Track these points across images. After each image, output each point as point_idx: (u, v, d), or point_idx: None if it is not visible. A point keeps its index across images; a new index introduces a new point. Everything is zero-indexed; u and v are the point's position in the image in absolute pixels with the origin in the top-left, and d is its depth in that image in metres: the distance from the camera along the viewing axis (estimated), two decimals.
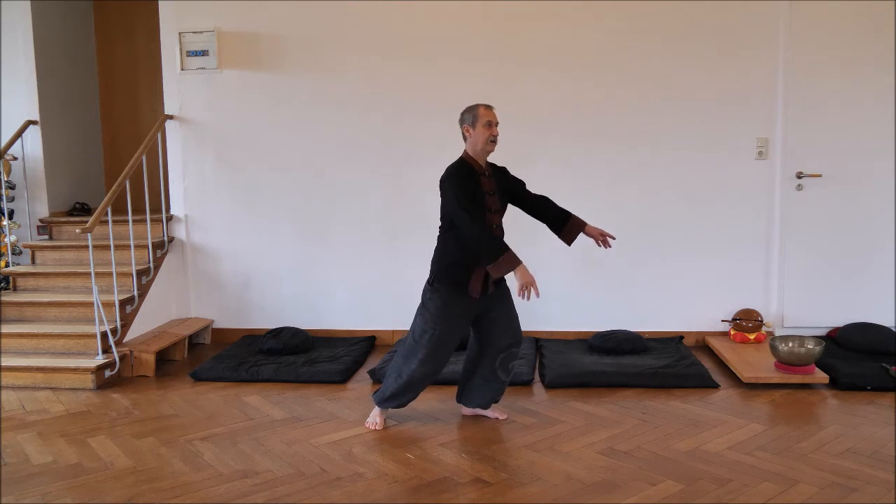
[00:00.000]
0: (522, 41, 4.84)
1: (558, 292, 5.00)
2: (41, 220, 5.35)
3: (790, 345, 4.04)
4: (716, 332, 4.92)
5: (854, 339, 4.51)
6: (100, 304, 4.32)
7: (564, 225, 3.42)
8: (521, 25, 4.83)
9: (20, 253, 5.19)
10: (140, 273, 4.79)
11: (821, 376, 3.98)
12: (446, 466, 3.04)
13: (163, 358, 4.71)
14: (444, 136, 4.59)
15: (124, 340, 4.59)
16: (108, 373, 4.27)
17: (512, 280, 3.53)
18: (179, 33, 5.05)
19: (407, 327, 3.66)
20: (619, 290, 4.98)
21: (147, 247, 4.94)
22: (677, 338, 4.88)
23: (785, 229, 4.80)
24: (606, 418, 3.57)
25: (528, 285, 3.09)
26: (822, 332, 4.81)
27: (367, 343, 4.94)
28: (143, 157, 4.85)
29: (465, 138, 3.30)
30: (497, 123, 3.28)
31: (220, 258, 5.25)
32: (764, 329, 4.77)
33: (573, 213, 3.48)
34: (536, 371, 4.32)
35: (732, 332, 4.74)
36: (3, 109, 5.35)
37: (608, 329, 4.88)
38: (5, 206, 5.19)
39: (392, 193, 5.06)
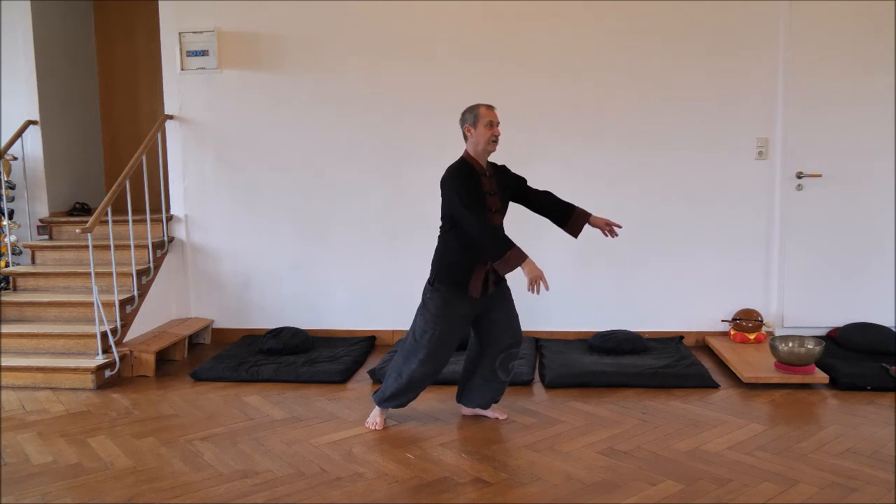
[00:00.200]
0: (522, 41, 4.84)
1: (558, 292, 4.98)
2: (41, 220, 5.35)
3: (790, 345, 4.05)
4: (716, 332, 4.92)
5: (854, 339, 4.51)
6: (100, 304, 4.32)
7: (569, 217, 3.41)
8: (521, 25, 4.83)
9: (20, 253, 5.19)
10: (140, 273, 4.79)
11: (821, 376, 3.98)
12: (446, 466, 3.04)
13: (163, 358, 4.71)
14: (444, 136, 4.59)
15: (124, 340, 4.59)
16: (108, 373, 4.27)
17: (514, 278, 3.54)
18: (179, 33, 5.05)
19: (407, 327, 3.66)
20: (619, 290, 4.98)
21: (147, 247, 4.94)
22: (677, 338, 4.88)
23: (785, 229, 4.80)
24: (606, 418, 3.57)
25: (536, 279, 3.09)
26: (822, 332, 4.81)
27: (367, 343, 4.94)
28: (143, 157, 4.85)
29: (465, 138, 3.30)
30: (498, 123, 3.28)
31: (220, 258, 5.25)
32: (764, 329, 4.77)
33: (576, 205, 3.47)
34: (536, 371, 4.32)
35: (732, 332, 4.74)
36: (3, 109, 5.35)
37: (608, 329, 4.88)
38: (5, 206, 5.19)
39: (392, 193, 5.06)
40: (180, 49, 5.05)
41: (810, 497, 2.71)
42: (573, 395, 3.94)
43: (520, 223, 4.00)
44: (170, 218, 5.23)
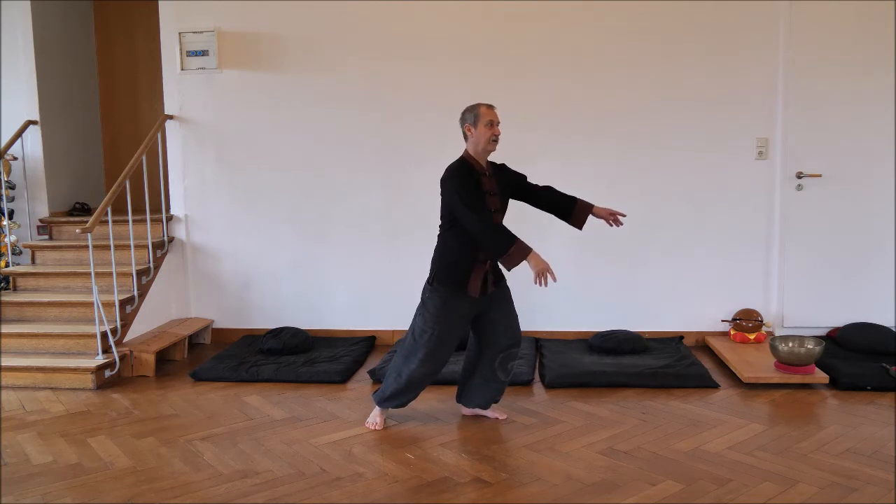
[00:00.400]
0: (522, 41, 4.84)
1: (558, 292, 4.98)
2: (41, 220, 5.35)
3: (790, 345, 4.04)
4: (716, 332, 4.92)
5: (854, 339, 4.51)
6: (100, 304, 4.32)
7: (572, 210, 3.41)
8: (521, 25, 4.83)
9: (20, 253, 5.19)
10: (140, 273, 4.79)
11: (821, 376, 3.98)
12: (446, 466, 3.04)
13: (163, 358, 4.71)
14: (444, 135, 4.59)
15: (124, 340, 4.59)
16: (108, 373, 4.27)
17: (513, 278, 3.54)
18: (179, 33, 5.05)
19: (407, 327, 3.67)
20: (619, 290, 4.98)
21: (147, 247, 4.94)
22: (677, 338, 4.88)
23: (785, 229, 4.80)
24: (606, 418, 3.57)
25: (543, 271, 3.09)
26: (822, 332, 4.81)
27: (367, 343, 4.94)
28: (143, 157, 4.85)
29: (465, 137, 3.30)
30: (498, 123, 3.28)
31: (220, 258, 5.25)
32: (764, 329, 4.77)
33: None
34: (536, 371, 4.32)
35: (732, 332, 4.74)
36: (3, 109, 5.35)
37: (608, 329, 4.87)
38: (5, 206, 5.19)
39: (392, 193, 5.06)
40: (180, 49, 5.05)
41: (810, 497, 2.71)
42: (573, 395, 3.94)
43: (519, 223, 4.00)
44: (170, 218, 5.23)
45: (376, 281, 5.12)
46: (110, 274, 4.63)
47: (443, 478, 2.94)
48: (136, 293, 4.72)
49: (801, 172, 4.77)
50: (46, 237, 5.33)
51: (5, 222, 5.16)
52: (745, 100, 4.75)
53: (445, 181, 3.23)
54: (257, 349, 4.79)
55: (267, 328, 5.14)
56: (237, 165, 5.15)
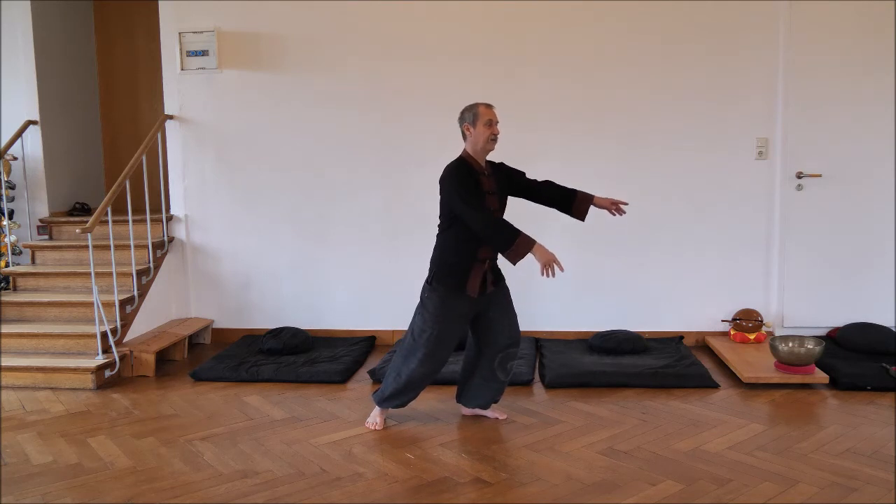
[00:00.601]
0: (522, 41, 4.84)
1: (558, 292, 5.00)
2: (41, 220, 5.35)
3: (790, 345, 4.04)
4: (716, 332, 4.92)
5: (854, 339, 4.51)
6: (100, 304, 4.32)
7: (573, 202, 3.40)
8: (521, 25, 4.83)
9: (20, 253, 5.19)
10: (140, 273, 4.79)
11: (821, 376, 3.98)
12: (446, 466, 3.04)
13: (163, 358, 4.71)
14: (444, 135, 4.59)
15: (124, 340, 4.59)
16: (108, 373, 4.27)
17: (513, 278, 3.54)
18: (179, 33, 5.05)
19: (407, 327, 3.67)
20: (619, 290, 4.98)
21: (147, 247, 4.94)
22: (677, 338, 4.88)
23: (785, 229, 4.80)
24: (606, 418, 3.57)
25: (549, 263, 3.09)
26: (822, 332, 4.81)
27: (367, 343, 4.94)
28: (143, 157, 4.85)
29: (464, 137, 3.30)
30: (497, 122, 3.28)
31: (220, 258, 5.25)
32: (764, 329, 4.77)
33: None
34: (536, 371, 4.32)
35: (732, 332, 4.74)
36: (3, 109, 5.35)
37: (608, 329, 4.87)
38: (5, 206, 5.19)
39: (392, 193, 5.06)
40: (180, 49, 5.05)
41: (810, 497, 2.71)
42: (573, 395, 3.94)
43: (518, 222, 3.98)
44: (170, 218, 5.23)
45: (376, 281, 5.12)
46: (110, 274, 4.63)
47: (443, 478, 2.94)
48: (136, 293, 4.72)
49: (801, 172, 4.77)
50: (46, 237, 5.33)
51: (5, 222, 5.16)
52: (745, 100, 4.75)
53: (445, 181, 3.23)
54: (257, 349, 4.78)
55: (267, 328, 5.14)
56: (237, 165, 5.15)
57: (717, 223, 4.87)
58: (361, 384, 4.20)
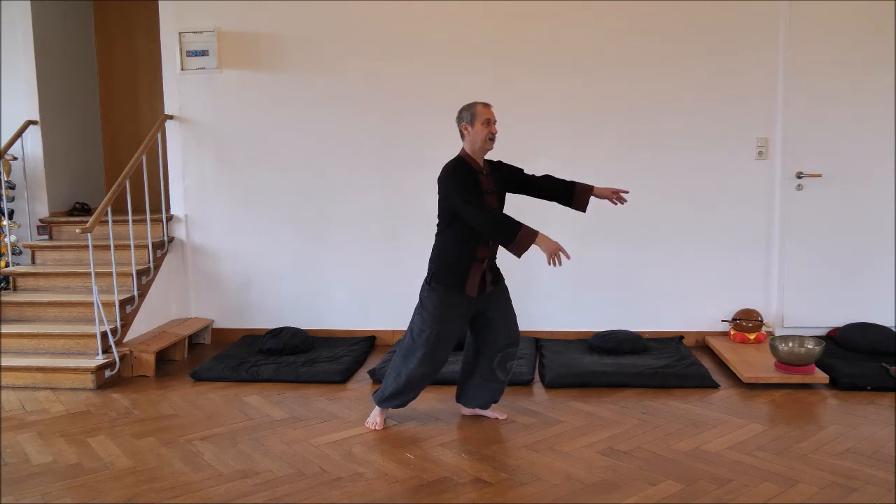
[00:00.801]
0: (522, 41, 4.84)
1: (558, 292, 5.00)
2: (41, 220, 5.35)
3: (790, 345, 4.04)
4: (716, 332, 4.92)
5: (854, 339, 4.51)
6: (100, 304, 4.32)
7: (573, 194, 3.39)
8: (521, 25, 4.83)
9: (20, 253, 5.19)
10: (140, 273, 4.79)
11: (821, 376, 3.98)
12: (446, 466, 3.04)
13: (163, 358, 4.71)
14: (444, 135, 4.58)
15: (124, 340, 4.59)
16: (108, 373, 4.27)
17: (512, 278, 3.54)
18: (179, 33, 5.05)
19: (406, 327, 3.67)
20: (619, 290, 4.98)
21: (147, 247, 4.94)
22: (677, 338, 4.88)
23: (785, 229, 4.80)
24: (606, 418, 3.57)
25: (555, 252, 3.08)
26: (822, 332, 4.81)
27: (367, 343, 4.94)
28: (143, 157, 4.85)
29: (462, 136, 3.30)
30: (495, 121, 3.28)
31: (220, 258, 5.25)
32: (764, 329, 4.77)
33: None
34: (536, 371, 4.32)
35: (732, 332, 4.74)
36: (3, 109, 5.35)
37: (608, 329, 4.87)
38: (5, 206, 5.19)
39: (392, 193, 5.06)
40: (180, 49, 5.05)
41: (810, 497, 2.71)
42: (573, 395, 3.94)
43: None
44: (170, 218, 5.23)
45: (376, 281, 5.12)
46: (110, 274, 4.63)
47: (443, 478, 2.94)
48: (136, 293, 4.72)
49: (801, 172, 4.77)
50: (46, 237, 5.33)
51: (5, 222, 5.16)
52: (745, 100, 4.75)
53: (443, 180, 3.23)
54: (257, 349, 4.79)
55: (267, 328, 5.14)
56: (237, 165, 5.15)
57: (717, 223, 4.87)
58: (361, 384, 4.20)
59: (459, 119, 3.29)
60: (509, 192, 3.42)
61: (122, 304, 4.58)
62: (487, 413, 3.59)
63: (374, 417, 3.51)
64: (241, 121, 5.11)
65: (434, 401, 3.82)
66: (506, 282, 3.48)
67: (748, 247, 4.87)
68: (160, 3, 5.07)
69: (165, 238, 5.12)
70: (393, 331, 5.11)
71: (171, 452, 3.24)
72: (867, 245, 4.77)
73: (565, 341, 4.91)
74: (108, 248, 4.67)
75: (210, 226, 5.23)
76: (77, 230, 4.76)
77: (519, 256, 3.14)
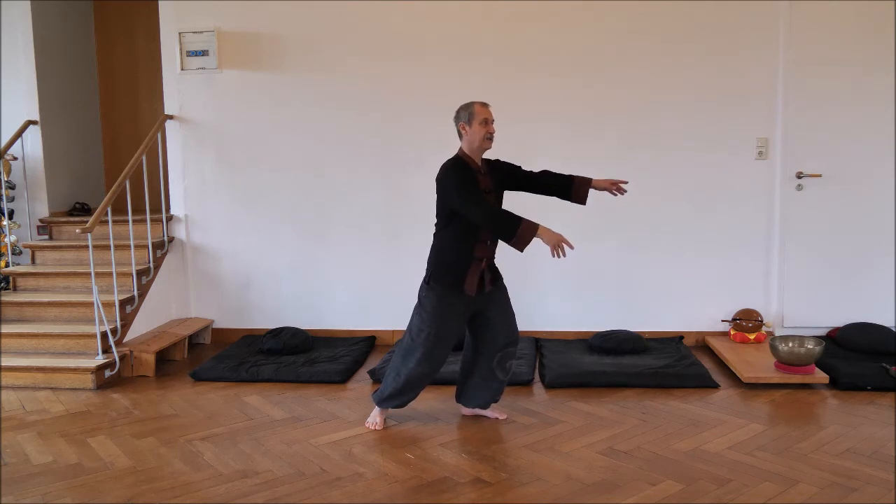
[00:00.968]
0: (522, 41, 4.84)
1: (558, 292, 5.00)
2: (41, 220, 5.35)
3: (790, 345, 4.04)
4: (716, 332, 4.92)
5: (854, 339, 4.51)
6: (100, 304, 4.32)
7: (571, 187, 3.38)
8: (521, 25, 4.83)
9: (20, 253, 5.19)
10: (140, 273, 4.79)
11: (821, 376, 3.98)
12: (446, 466, 3.04)
13: (163, 358, 4.71)
14: (444, 135, 4.58)
15: (124, 340, 4.59)
16: (108, 373, 4.27)
17: (510, 277, 3.54)
18: (179, 33, 5.05)
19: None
20: (619, 290, 4.98)
21: (147, 247, 4.94)
22: (677, 338, 4.88)
23: (785, 229, 4.80)
24: (606, 418, 3.57)
25: (557, 244, 3.06)
26: (822, 332, 4.81)
27: (367, 343, 4.94)
28: (143, 157, 4.85)
29: (460, 136, 3.30)
30: (493, 121, 3.28)
31: (220, 258, 5.25)
32: (764, 329, 4.77)
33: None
34: (536, 371, 4.32)
35: (732, 332, 4.74)
36: (3, 109, 5.35)
37: (608, 329, 4.87)
38: (5, 206, 5.19)
39: (392, 193, 5.06)
40: (180, 49, 5.05)
41: (810, 497, 2.71)
42: (573, 395, 3.94)
43: None
44: (170, 218, 5.23)
45: (376, 281, 5.12)
46: (110, 274, 4.63)
47: (443, 478, 2.94)
48: (136, 293, 4.72)
49: (801, 172, 4.77)
50: (46, 237, 5.33)
51: (5, 222, 5.16)
52: (745, 100, 4.75)
53: (442, 179, 3.22)
54: (257, 349, 4.79)
55: (267, 328, 5.14)
56: (237, 165, 5.15)
57: (717, 223, 4.87)
58: (361, 384, 4.20)
59: (457, 118, 3.29)
60: (508, 189, 3.42)
61: (122, 304, 4.58)
62: (487, 413, 3.59)
63: (374, 417, 3.51)
64: (241, 121, 5.11)
65: (434, 401, 3.82)
66: (507, 282, 3.48)
67: (748, 247, 4.87)
68: (160, 3, 5.07)
69: (165, 238, 5.12)
70: (393, 331, 5.11)
71: (171, 452, 3.24)
72: (867, 245, 4.77)
73: (565, 341, 4.91)
74: (108, 248, 4.67)
75: (210, 226, 5.23)
76: (77, 230, 4.76)
77: (521, 250, 3.12)
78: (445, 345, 3.33)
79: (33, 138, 5.32)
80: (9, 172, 5.27)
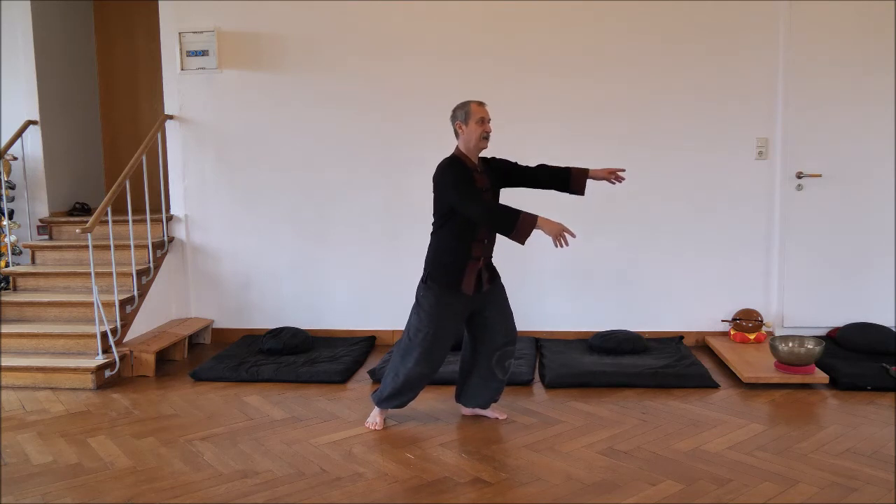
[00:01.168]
0: (522, 41, 4.84)
1: (558, 292, 5.00)
2: (41, 220, 5.35)
3: (790, 345, 4.04)
4: (716, 332, 4.92)
5: (854, 339, 4.51)
6: (100, 304, 4.32)
7: (569, 179, 3.38)
8: (521, 25, 4.83)
9: (20, 253, 5.19)
10: (140, 273, 4.79)
11: (821, 376, 3.98)
12: (446, 466, 3.04)
13: (163, 358, 4.71)
14: (444, 135, 4.57)
15: (124, 340, 4.59)
16: (108, 373, 4.27)
17: (510, 277, 3.54)
18: (179, 33, 5.05)
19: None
20: (619, 290, 4.97)
21: (147, 247, 4.94)
22: (677, 338, 4.88)
23: (785, 229, 4.80)
24: (606, 418, 3.57)
25: (559, 234, 3.05)
26: (822, 332, 4.81)
27: (367, 343, 4.94)
28: (143, 157, 4.85)
29: (457, 135, 3.30)
30: (489, 120, 3.28)
31: (220, 258, 5.25)
32: (764, 329, 4.77)
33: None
34: (536, 371, 4.32)
35: (732, 332, 4.74)
36: (3, 109, 5.35)
37: (608, 329, 4.88)
38: (5, 206, 5.19)
39: (392, 193, 5.06)
40: (180, 49, 5.05)
41: (810, 497, 2.71)
42: (573, 395, 3.94)
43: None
44: (170, 218, 5.23)
45: (376, 281, 5.12)
46: (110, 274, 4.63)
47: (443, 478, 2.94)
48: (136, 293, 4.72)
49: (801, 172, 4.77)
50: (46, 237, 5.33)
51: (5, 222, 5.16)
52: (745, 100, 4.75)
53: (438, 178, 3.22)
54: (257, 349, 4.78)
55: (267, 328, 5.14)
56: (237, 165, 5.15)
57: (717, 223, 4.87)
58: (361, 384, 4.20)
59: (453, 118, 3.30)
60: (506, 186, 3.41)
61: (122, 304, 4.58)
62: (487, 413, 3.59)
63: (374, 417, 3.51)
64: (241, 121, 5.11)
65: (434, 401, 3.82)
66: (506, 282, 3.48)
67: (748, 247, 4.87)
68: (160, 3, 5.07)
69: (165, 238, 5.12)
70: (393, 331, 5.10)
71: (171, 452, 3.24)
72: (867, 245, 4.77)
73: (565, 341, 4.91)
74: (108, 248, 4.67)
75: (210, 226, 5.23)
76: (77, 230, 4.76)
77: (522, 243, 3.12)
78: (443, 344, 3.33)
79: (33, 138, 5.33)
80: (9, 172, 5.27)
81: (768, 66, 4.71)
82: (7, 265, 5.12)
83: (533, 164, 3.78)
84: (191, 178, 5.20)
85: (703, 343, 4.92)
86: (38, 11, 5.32)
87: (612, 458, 3.09)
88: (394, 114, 4.98)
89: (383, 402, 3.46)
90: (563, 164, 4.80)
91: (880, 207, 4.75)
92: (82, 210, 5.59)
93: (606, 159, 4.85)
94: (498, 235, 3.42)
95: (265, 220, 5.18)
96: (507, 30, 4.84)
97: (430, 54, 4.91)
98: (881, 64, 4.63)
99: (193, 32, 5.04)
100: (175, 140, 5.17)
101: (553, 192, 3.51)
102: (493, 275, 3.42)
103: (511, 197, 3.88)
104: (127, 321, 4.63)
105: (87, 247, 4.76)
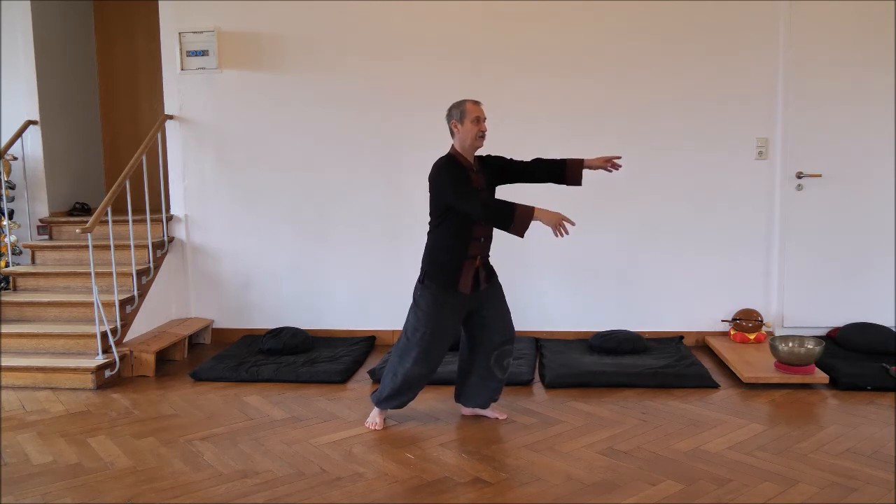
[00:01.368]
0: (522, 41, 4.84)
1: (558, 292, 5.00)
2: (41, 220, 5.35)
3: (790, 345, 4.04)
4: (716, 332, 4.92)
5: (854, 339, 4.51)
6: (100, 304, 4.32)
7: (565, 171, 3.37)
8: (521, 25, 4.83)
9: (20, 253, 5.19)
10: (140, 273, 4.79)
11: (821, 376, 3.98)
12: (446, 466, 3.04)
13: (163, 358, 4.71)
14: (444, 135, 4.56)
15: (124, 340, 4.59)
16: (108, 373, 4.27)
17: (509, 277, 3.53)
18: (179, 33, 5.05)
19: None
20: (619, 290, 4.97)
21: (147, 247, 4.94)
22: (677, 338, 4.88)
23: (785, 229, 4.80)
24: (606, 418, 3.57)
25: (558, 224, 3.05)
26: (822, 332, 4.81)
27: (367, 343, 4.94)
28: (143, 157, 4.85)
29: (452, 134, 3.30)
30: (485, 119, 3.28)
31: (220, 258, 5.25)
32: (764, 329, 4.77)
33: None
34: (536, 371, 4.32)
35: (732, 332, 4.74)
36: (3, 109, 5.35)
37: (608, 329, 4.87)
38: (5, 206, 5.19)
39: (392, 193, 5.06)
40: (180, 49, 5.05)
41: (810, 497, 2.71)
42: (573, 395, 3.94)
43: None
44: (170, 218, 5.23)
45: (376, 281, 5.12)
46: (110, 274, 4.63)
47: (443, 478, 2.94)
48: (136, 293, 4.72)
49: (801, 172, 4.77)
50: (46, 237, 5.33)
51: (5, 222, 5.16)
52: (745, 100, 4.75)
53: (434, 177, 3.23)
54: (257, 349, 4.78)
55: (267, 328, 5.14)
56: (237, 165, 5.15)
57: (717, 223, 4.87)
58: (361, 384, 4.20)
59: (449, 116, 3.30)
60: (503, 183, 3.41)
61: (122, 304, 4.58)
62: (487, 413, 3.59)
63: (374, 418, 3.51)
64: (241, 121, 5.11)
65: (434, 401, 3.82)
66: (505, 282, 3.48)
67: (748, 247, 4.87)
68: (160, 3, 5.07)
69: (165, 238, 5.12)
70: (393, 331, 5.10)
71: (171, 452, 3.24)
72: (867, 245, 4.77)
73: (565, 341, 4.91)
74: (108, 248, 4.67)
75: (210, 226, 5.23)
76: (77, 230, 4.76)
77: (521, 236, 3.10)
78: (442, 344, 3.33)
79: (33, 138, 5.33)
80: (9, 172, 5.27)
81: (768, 66, 4.71)
82: (7, 265, 5.12)
83: None
84: (191, 178, 5.20)
85: (703, 343, 4.92)
86: (38, 11, 5.32)
87: (612, 458, 3.09)
88: (394, 114, 4.98)
89: (383, 402, 3.46)
90: (563, 185, 4.83)
91: (880, 207, 4.75)
92: (82, 210, 5.59)
93: None
94: (496, 233, 3.42)
95: (265, 220, 5.18)
96: (507, 30, 4.84)
97: (430, 54, 4.91)
98: (881, 64, 4.63)
99: (193, 32, 5.04)
100: (175, 140, 5.17)
101: (553, 192, 3.51)
102: (491, 273, 3.41)
103: (511, 197, 3.88)
104: (127, 321, 4.63)
105: (87, 247, 4.76)
